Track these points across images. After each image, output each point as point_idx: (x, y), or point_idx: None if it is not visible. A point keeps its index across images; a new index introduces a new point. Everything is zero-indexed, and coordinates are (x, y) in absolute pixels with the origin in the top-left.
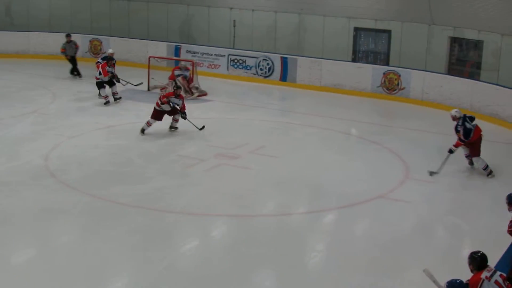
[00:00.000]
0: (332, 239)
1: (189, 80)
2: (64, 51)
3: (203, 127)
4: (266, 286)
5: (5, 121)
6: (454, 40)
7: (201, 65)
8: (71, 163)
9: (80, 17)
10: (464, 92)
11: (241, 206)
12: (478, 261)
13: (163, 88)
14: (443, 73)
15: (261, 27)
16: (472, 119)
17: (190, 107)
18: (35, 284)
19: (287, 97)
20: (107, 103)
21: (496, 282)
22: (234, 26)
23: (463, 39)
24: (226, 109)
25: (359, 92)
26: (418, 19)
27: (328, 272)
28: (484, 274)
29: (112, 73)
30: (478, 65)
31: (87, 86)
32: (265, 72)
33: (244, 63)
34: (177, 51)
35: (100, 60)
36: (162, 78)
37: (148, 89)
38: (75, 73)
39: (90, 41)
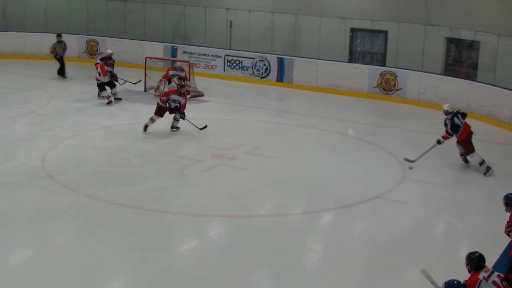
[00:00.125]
0: (330, 240)
1: (184, 81)
2: (54, 50)
3: (205, 126)
4: (264, 287)
5: (1, 122)
6: (450, 41)
7: (198, 65)
8: (68, 163)
9: (76, 17)
10: (461, 92)
11: (238, 206)
12: (475, 261)
13: (156, 89)
14: (439, 74)
15: (258, 28)
16: (463, 115)
17: (187, 108)
18: (32, 285)
19: (283, 97)
20: (109, 103)
21: (494, 282)
22: (231, 26)
23: (460, 39)
24: (222, 110)
25: (356, 93)
26: (415, 20)
27: (326, 272)
28: (482, 274)
29: (110, 72)
30: (474, 66)
31: (83, 86)
32: (262, 72)
33: (240, 63)
34: (173, 51)
35: (99, 61)
36: (158, 78)
37: (145, 90)
38: (61, 74)
39: (86, 41)
